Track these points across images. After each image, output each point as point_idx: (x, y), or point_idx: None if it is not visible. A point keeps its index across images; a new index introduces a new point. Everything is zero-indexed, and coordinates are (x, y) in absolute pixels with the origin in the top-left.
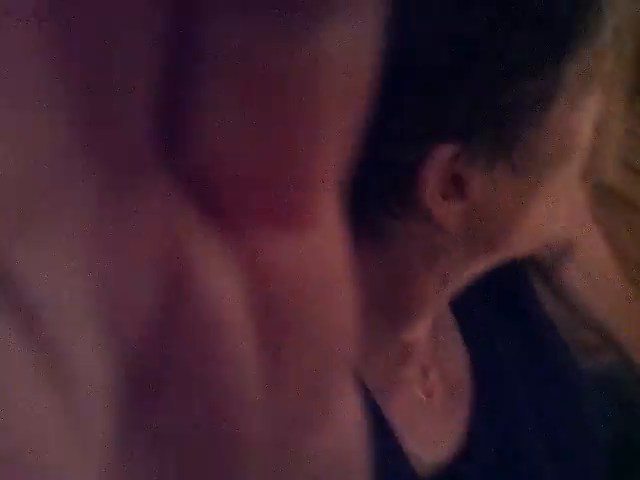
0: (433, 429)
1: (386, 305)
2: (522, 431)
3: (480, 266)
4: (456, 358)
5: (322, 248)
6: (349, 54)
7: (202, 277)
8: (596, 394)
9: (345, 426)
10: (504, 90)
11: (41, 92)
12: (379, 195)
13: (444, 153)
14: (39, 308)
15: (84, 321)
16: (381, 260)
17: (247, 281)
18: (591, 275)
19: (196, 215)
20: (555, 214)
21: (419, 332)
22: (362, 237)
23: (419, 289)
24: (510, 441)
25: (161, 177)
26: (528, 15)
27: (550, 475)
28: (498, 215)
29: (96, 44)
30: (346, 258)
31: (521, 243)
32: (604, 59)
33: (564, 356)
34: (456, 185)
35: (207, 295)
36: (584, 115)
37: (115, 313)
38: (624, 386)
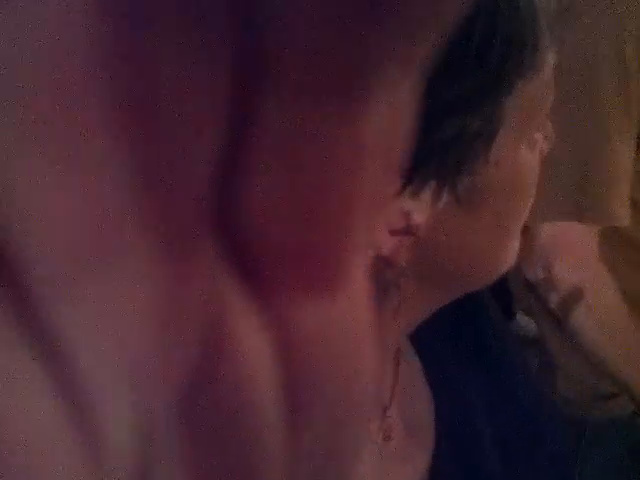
0: (389, 476)
1: None
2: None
3: (436, 300)
4: (418, 397)
5: (350, 313)
6: (386, 133)
7: (239, 341)
8: (571, 438)
9: None
10: (444, 125)
11: (105, 155)
12: None
13: None
14: (77, 361)
15: (121, 380)
16: None
17: (279, 346)
18: (602, 321)
19: (237, 280)
20: (507, 247)
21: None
22: None
23: None
24: None
25: (208, 242)
26: (465, 51)
27: None
28: (448, 248)
29: (159, 111)
30: (371, 322)
31: (476, 276)
32: (547, 94)
33: (534, 401)
34: (403, 220)
35: (242, 361)
36: (530, 150)
37: (154, 373)
38: (635, 429)
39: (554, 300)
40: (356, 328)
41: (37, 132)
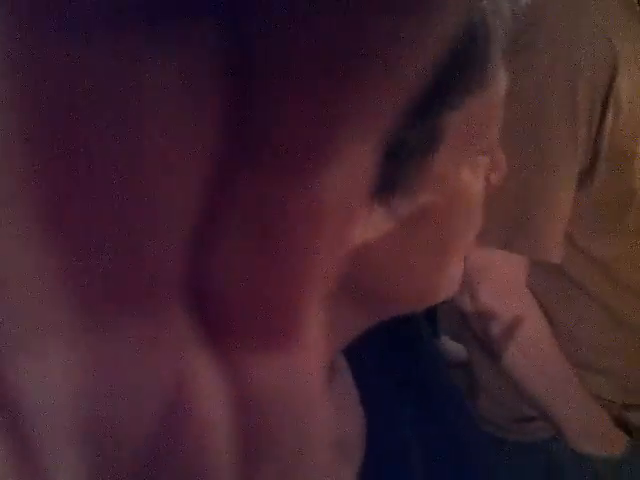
0: None
1: None
2: None
3: (370, 318)
4: (349, 414)
5: (306, 364)
6: (343, 198)
7: (201, 401)
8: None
9: None
10: None
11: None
12: None
13: None
14: (32, 421)
15: (74, 437)
16: None
17: (237, 401)
18: (530, 354)
19: (199, 338)
20: (446, 273)
21: None
22: None
23: None
24: None
25: (176, 304)
26: None
27: None
28: (384, 268)
29: (140, 173)
30: (323, 376)
31: (411, 300)
32: (493, 116)
33: (461, 422)
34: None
35: (203, 419)
36: (473, 173)
37: (110, 434)
38: (553, 454)
39: (494, 330)
40: (311, 379)
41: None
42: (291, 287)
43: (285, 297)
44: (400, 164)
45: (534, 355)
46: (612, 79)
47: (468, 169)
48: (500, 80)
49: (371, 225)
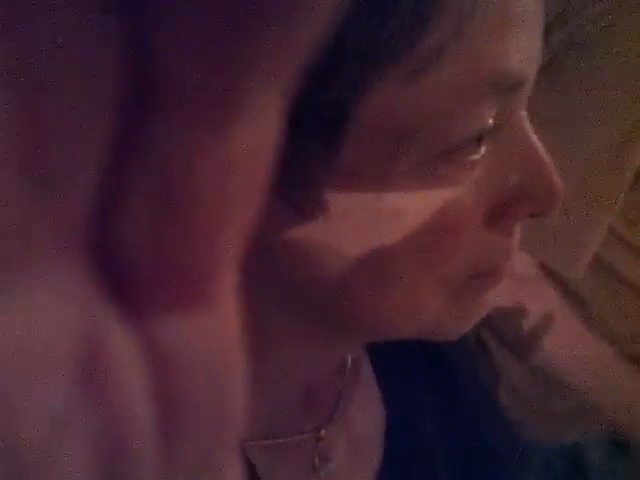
0: None
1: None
2: None
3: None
4: (367, 413)
5: (219, 328)
6: (254, 152)
7: (113, 359)
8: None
9: None
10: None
11: None
12: None
13: None
14: None
15: None
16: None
17: (150, 363)
18: (566, 344)
19: (109, 301)
20: (395, 300)
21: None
22: None
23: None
24: None
25: (82, 263)
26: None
27: None
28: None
29: (46, 118)
30: (240, 339)
31: (369, 318)
32: (453, 113)
33: (489, 422)
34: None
35: (112, 378)
36: (426, 184)
37: (23, 397)
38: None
39: (525, 327)
40: (225, 342)
41: None
42: (199, 248)
43: (194, 258)
44: (296, 156)
45: (570, 344)
46: None
47: (413, 176)
48: (467, 63)
49: (278, 215)
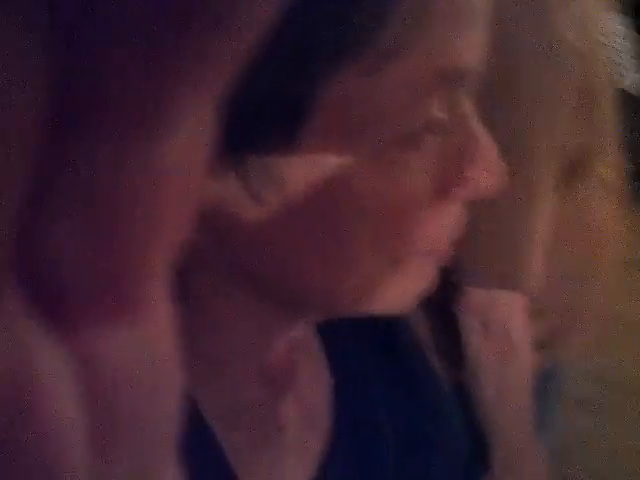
0: (283, 467)
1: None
2: (382, 464)
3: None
4: (317, 386)
5: (151, 340)
6: (184, 159)
7: (39, 372)
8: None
9: None
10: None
11: None
12: None
13: None
14: None
15: None
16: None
17: (79, 377)
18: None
19: (40, 319)
20: (343, 277)
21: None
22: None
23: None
24: (368, 477)
25: (9, 284)
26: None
27: None
28: (276, 258)
29: None
30: (174, 346)
31: (320, 297)
32: (410, 102)
33: (437, 398)
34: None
35: (44, 391)
36: (373, 168)
37: None
38: None
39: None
40: (158, 351)
41: None
42: (131, 258)
43: (125, 269)
44: (258, 135)
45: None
46: None
47: (367, 160)
48: (414, 57)
49: (230, 200)
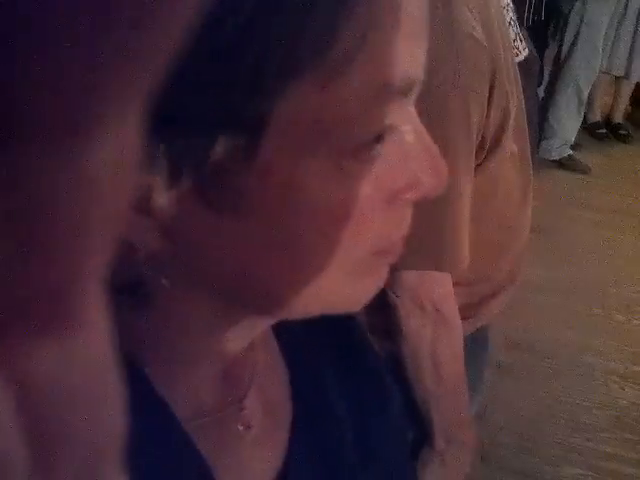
0: (252, 462)
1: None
2: (342, 448)
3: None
4: (276, 381)
5: (87, 353)
6: (114, 163)
7: None
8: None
9: None
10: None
11: None
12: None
13: None
14: None
15: None
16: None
17: (19, 391)
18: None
19: None
20: (301, 282)
21: (230, 358)
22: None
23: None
24: (330, 462)
25: None
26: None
27: None
28: (214, 257)
29: None
30: (112, 357)
31: (261, 301)
32: (361, 108)
33: (381, 379)
34: (141, 192)
35: None
36: (338, 177)
37: None
38: None
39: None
40: (95, 363)
41: None
42: (63, 270)
43: (57, 281)
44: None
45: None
46: None
47: (322, 171)
48: (362, 69)
49: (177, 194)
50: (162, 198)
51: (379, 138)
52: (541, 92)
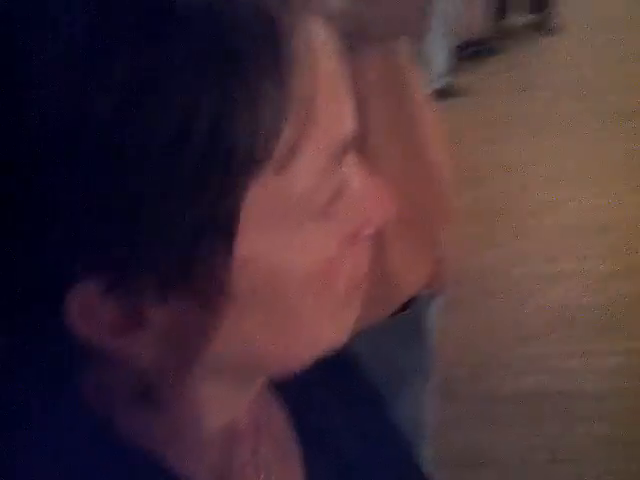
0: None
1: None
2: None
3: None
4: (274, 407)
5: None
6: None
7: None
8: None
9: None
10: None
11: None
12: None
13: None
14: None
15: None
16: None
17: None
18: None
19: None
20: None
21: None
22: None
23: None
24: None
25: None
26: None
27: None
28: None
29: None
30: None
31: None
32: (321, 187)
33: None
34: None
35: None
36: (289, 247)
37: None
38: None
39: None
40: None
41: None
42: None
43: None
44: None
45: None
46: None
47: (288, 244)
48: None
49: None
50: (155, 310)
51: (333, 197)
52: None
